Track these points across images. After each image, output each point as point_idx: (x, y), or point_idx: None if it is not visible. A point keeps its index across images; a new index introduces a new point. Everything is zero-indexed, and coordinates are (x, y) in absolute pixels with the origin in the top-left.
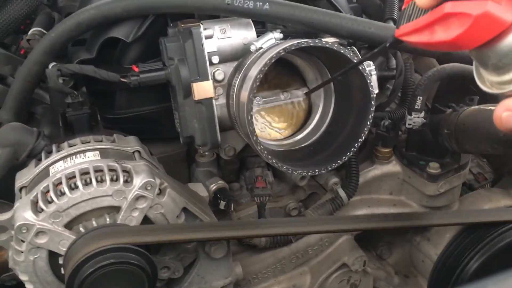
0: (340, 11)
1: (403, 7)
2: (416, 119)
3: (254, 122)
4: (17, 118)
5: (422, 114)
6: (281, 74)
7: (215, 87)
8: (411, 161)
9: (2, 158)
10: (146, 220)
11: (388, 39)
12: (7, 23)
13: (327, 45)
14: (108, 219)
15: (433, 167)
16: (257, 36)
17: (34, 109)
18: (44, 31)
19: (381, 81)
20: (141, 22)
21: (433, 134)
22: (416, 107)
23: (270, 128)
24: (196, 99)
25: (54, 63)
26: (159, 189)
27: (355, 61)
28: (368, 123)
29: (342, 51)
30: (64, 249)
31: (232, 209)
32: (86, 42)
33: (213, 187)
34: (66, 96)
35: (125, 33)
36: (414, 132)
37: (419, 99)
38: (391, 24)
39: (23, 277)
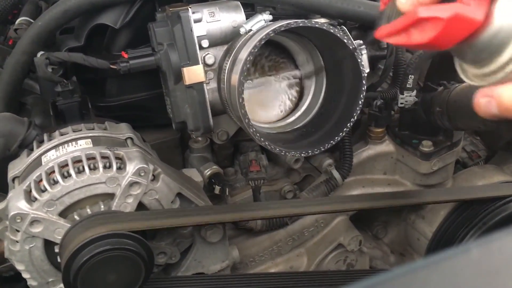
0: None
1: (381, 8)
2: (408, 98)
3: (246, 105)
4: (7, 109)
5: (414, 92)
6: (272, 56)
7: (205, 71)
8: (404, 140)
9: None
10: (140, 206)
11: None
12: None
13: (317, 25)
14: (102, 207)
15: (426, 145)
16: (247, 19)
17: (24, 100)
18: (31, 20)
19: (373, 61)
20: (129, 7)
21: (426, 113)
22: (407, 86)
23: (262, 110)
24: (187, 83)
25: (42, 52)
26: (153, 175)
27: (344, 40)
28: (360, 102)
29: (331, 31)
30: (60, 237)
31: (227, 193)
32: (74, 29)
33: (208, 172)
34: (56, 85)
35: (113, 19)
36: (406, 111)
37: (411, 77)
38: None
39: (19, 267)
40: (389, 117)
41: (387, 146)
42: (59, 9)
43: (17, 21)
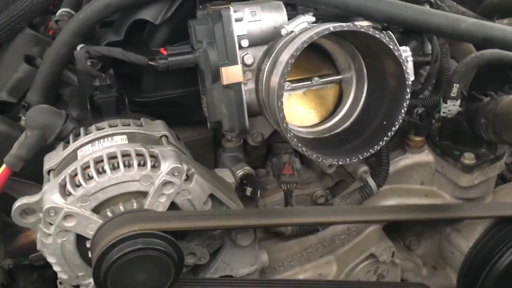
0: None
1: None
2: (451, 107)
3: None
4: (45, 100)
5: (458, 102)
6: (311, 58)
7: (244, 72)
8: (444, 151)
9: (31, 140)
10: (173, 206)
11: None
12: (35, 3)
13: (362, 29)
14: (135, 204)
15: (468, 158)
16: (288, 19)
17: (62, 91)
18: (73, 12)
19: (416, 67)
20: (170, 3)
21: (469, 123)
22: (452, 94)
23: (299, 114)
24: (224, 83)
25: (82, 45)
26: (186, 175)
27: (390, 46)
28: (403, 111)
29: (377, 36)
30: (92, 233)
31: (258, 195)
32: (114, 24)
33: (240, 173)
34: (94, 79)
35: (154, 15)
36: (448, 120)
37: (456, 86)
38: (427, 7)
39: (51, 259)
40: (429, 126)
41: (426, 156)
42: (101, 2)
43: (58, 12)
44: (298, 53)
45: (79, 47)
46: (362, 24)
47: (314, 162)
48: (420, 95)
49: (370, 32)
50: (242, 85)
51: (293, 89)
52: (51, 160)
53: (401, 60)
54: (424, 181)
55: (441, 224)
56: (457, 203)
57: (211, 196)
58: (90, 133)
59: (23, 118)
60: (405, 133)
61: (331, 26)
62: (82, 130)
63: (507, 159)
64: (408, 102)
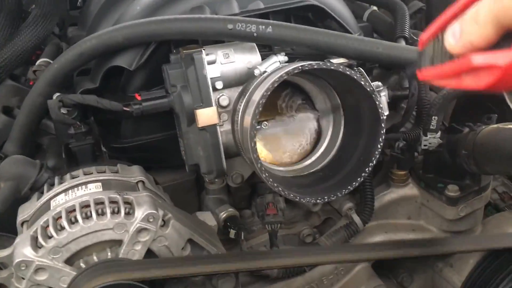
0: (349, 31)
1: (420, 47)
2: (432, 140)
3: (261, 147)
4: (23, 151)
5: (438, 134)
6: (289, 97)
7: (220, 113)
8: (428, 184)
9: (5, 192)
10: (149, 253)
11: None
12: (16, 54)
13: (332, 67)
14: (109, 254)
15: (452, 190)
16: (262, 59)
17: (41, 140)
18: (51, 62)
19: (395, 100)
20: (144, 49)
21: (451, 155)
22: (431, 127)
23: (277, 152)
24: (200, 126)
25: (58, 94)
26: (163, 220)
27: (361, 82)
28: (379, 146)
29: (347, 73)
30: (65, 285)
31: (242, 237)
32: (91, 71)
33: (223, 215)
34: (69, 127)
35: (128, 62)
36: (430, 153)
37: (434, 119)
38: (402, 42)
39: None
40: (412, 160)
41: (410, 190)
42: (74, 52)
43: (37, 62)
44: (269, 93)
45: (55, 96)
46: (337, 62)
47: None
48: (401, 129)
49: (340, 69)
50: (218, 127)
51: (270, 128)
52: (25, 211)
53: (373, 96)
54: (411, 215)
55: (433, 259)
56: (445, 237)
57: (190, 241)
58: (65, 182)
59: None
60: (389, 167)
61: (300, 65)
62: (56, 179)
63: (499, 188)
64: (383, 137)
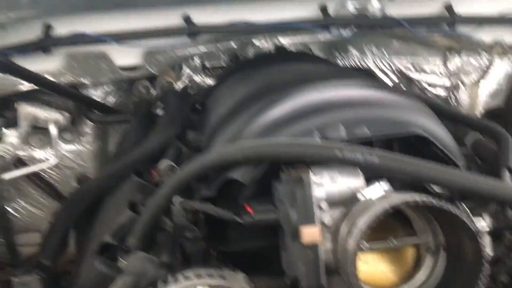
0: (452, 160)
1: None
2: None
3: (359, 268)
4: (142, 245)
5: None
6: (388, 221)
7: (322, 232)
8: None
9: (126, 285)
10: None
11: None
12: (144, 157)
13: (434, 203)
14: None
15: None
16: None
17: (155, 235)
18: (173, 164)
19: (498, 231)
20: (258, 165)
21: None
22: None
23: (375, 274)
24: (303, 243)
25: (180, 200)
26: None
27: (464, 219)
28: (481, 285)
29: (446, 209)
30: None
31: None
32: (208, 179)
33: None
34: (187, 231)
35: (244, 177)
36: None
37: None
38: (506, 175)
39: None
40: None
41: None
42: (198, 164)
43: (162, 164)
44: (374, 224)
45: (176, 199)
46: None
47: None
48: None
49: (443, 207)
50: (320, 246)
51: (369, 249)
52: None
53: (475, 235)
54: None
55: None
56: None
57: None
58: (177, 281)
59: (120, 260)
60: None
61: (405, 200)
62: (169, 277)
63: None
64: (485, 276)
